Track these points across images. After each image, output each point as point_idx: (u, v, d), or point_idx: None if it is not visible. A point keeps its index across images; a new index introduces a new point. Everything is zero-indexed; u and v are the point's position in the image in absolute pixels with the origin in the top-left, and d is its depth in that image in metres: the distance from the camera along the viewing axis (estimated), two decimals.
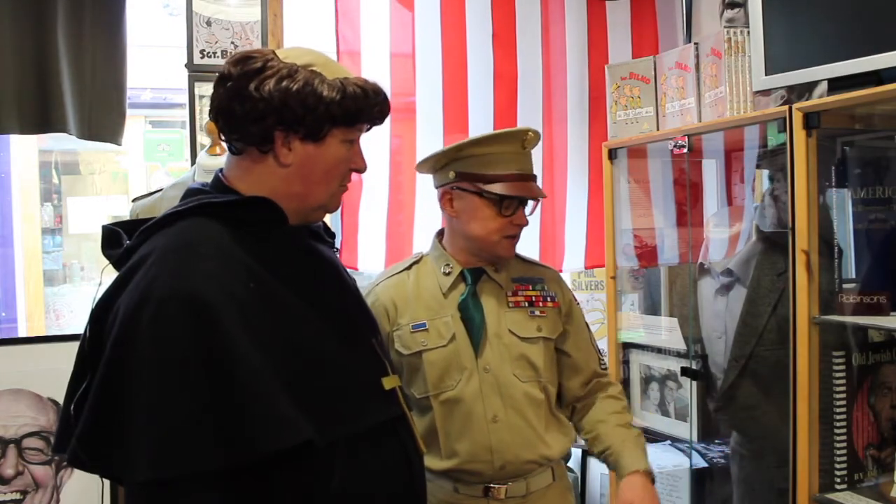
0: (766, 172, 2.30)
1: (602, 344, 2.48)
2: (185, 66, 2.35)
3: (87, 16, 2.20)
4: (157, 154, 3.46)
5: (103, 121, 2.24)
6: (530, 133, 1.62)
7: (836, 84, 1.73)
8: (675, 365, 2.39)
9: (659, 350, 2.48)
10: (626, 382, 2.57)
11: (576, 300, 1.79)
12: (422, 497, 1.25)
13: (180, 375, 0.96)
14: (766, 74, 1.88)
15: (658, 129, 2.38)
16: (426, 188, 2.50)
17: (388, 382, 1.20)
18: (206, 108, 2.25)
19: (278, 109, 1.08)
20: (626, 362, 2.58)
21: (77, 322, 3.19)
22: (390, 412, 1.19)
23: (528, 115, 2.69)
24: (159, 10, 3.11)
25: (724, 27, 2.34)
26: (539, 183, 1.70)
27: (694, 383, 2.31)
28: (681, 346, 2.37)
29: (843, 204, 1.89)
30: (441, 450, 1.60)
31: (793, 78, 1.83)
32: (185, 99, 2.36)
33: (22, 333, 2.94)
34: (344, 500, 1.08)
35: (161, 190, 1.97)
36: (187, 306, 0.97)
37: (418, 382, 1.63)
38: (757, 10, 1.88)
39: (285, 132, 1.10)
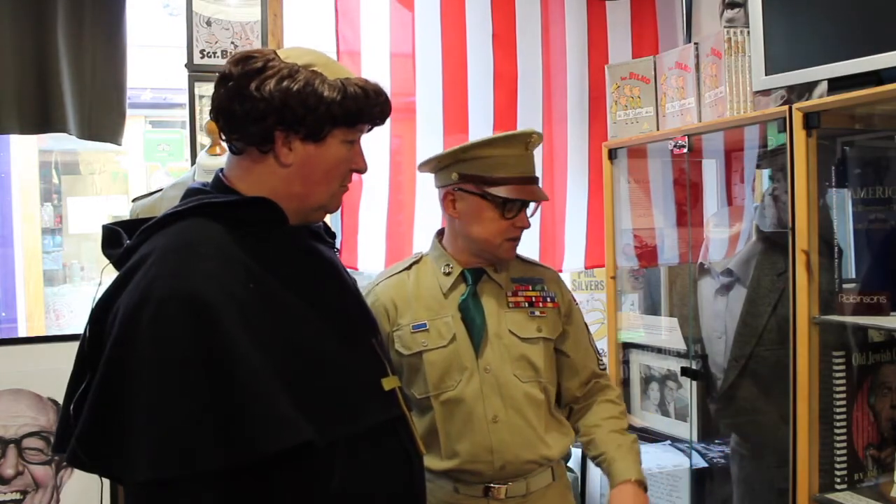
0: (766, 172, 2.30)
1: (602, 344, 2.48)
2: (185, 66, 2.34)
3: (87, 16, 2.19)
4: (157, 154, 3.46)
5: (103, 121, 2.23)
6: (534, 135, 1.62)
7: (836, 84, 1.73)
8: (675, 365, 2.39)
9: (659, 350, 2.48)
10: (626, 382, 2.56)
11: (575, 301, 1.79)
12: (421, 497, 1.25)
13: (180, 375, 0.96)
14: (766, 74, 1.88)
15: (658, 129, 2.38)
16: (426, 188, 2.50)
17: (388, 383, 1.20)
18: (206, 108, 2.28)
19: (279, 109, 1.08)
20: (626, 362, 2.57)
21: (77, 322, 3.19)
22: (390, 412, 1.19)
23: (528, 116, 2.69)
24: (159, 10, 3.11)
25: (724, 27, 2.34)
26: (539, 183, 1.70)
27: (694, 383, 2.31)
28: (681, 346, 2.37)
29: (843, 204, 1.89)
30: (441, 450, 1.60)
31: (793, 78, 1.83)
32: (185, 99, 2.35)
33: (22, 333, 2.94)
34: (344, 500, 1.08)
35: (161, 190, 1.97)
36: (187, 306, 0.97)
37: (419, 383, 1.63)
38: (757, 10, 1.88)
39: (286, 132, 1.10)
